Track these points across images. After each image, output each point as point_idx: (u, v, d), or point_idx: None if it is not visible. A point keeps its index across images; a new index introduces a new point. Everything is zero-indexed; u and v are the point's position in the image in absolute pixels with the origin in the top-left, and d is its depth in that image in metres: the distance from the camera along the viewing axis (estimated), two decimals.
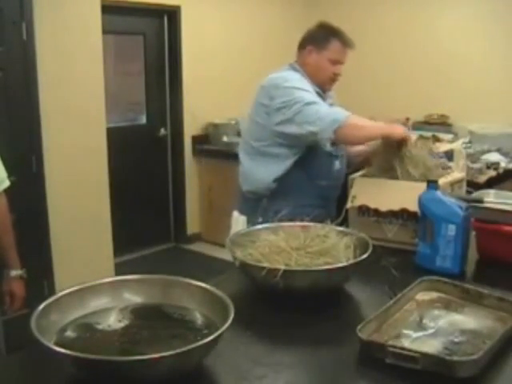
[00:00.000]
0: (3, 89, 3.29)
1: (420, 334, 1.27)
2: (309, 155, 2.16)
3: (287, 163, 2.17)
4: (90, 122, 3.86)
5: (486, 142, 4.33)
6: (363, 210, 1.98)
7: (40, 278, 3.51)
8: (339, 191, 2.31)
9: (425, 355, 1.13)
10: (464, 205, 1.70)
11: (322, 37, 2.21)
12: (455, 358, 1.13)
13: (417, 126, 4.86)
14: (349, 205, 2.01)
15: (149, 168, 4.88)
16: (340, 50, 2.22)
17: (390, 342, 1.20)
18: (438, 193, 1.71)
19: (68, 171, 3.73)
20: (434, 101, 4.97)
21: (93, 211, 3.92)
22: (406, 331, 1.28)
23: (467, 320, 1.34)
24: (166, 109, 4.98)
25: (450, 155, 2.25)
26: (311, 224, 1.76)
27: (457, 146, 2.35)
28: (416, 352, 1.13)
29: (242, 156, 2.31)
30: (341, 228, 1.74)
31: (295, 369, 1.19)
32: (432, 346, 1.21)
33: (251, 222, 2.18)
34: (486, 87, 4.74)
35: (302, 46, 2.26)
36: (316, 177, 2.19)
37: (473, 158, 4.02)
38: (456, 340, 1.24)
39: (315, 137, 2.06)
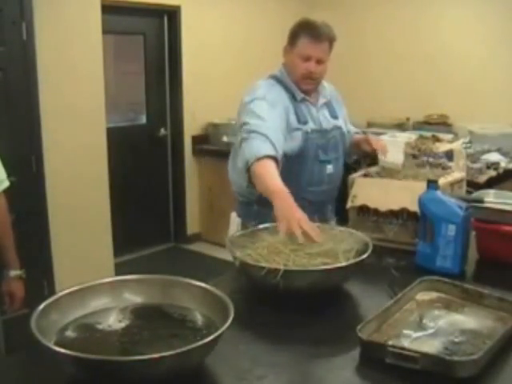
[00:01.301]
0: (3, 89, 3.29)
1: (420, 333, 1.27)
2: (297, 163, 2.07)
3: None
4: (90, 121, 3.86)
5: (486, 141, 4.33)
6: (363, 210, 1.98)
7: (40, 278, 3.51)
8: (335, 193, 2.25)
9: (425, 355, 1.13)
10: (464, 205, 1.70)
11: (292, 33, 2.11)
12: (455, 358, 1.13)
13: (417, 126, 4.86)
14: (349, 205, 2.01)
15: (149, 168, 4.88)
16: (309, 46, 2.05)
17: (390, 342, 1.20)
18: (438, 193, 1.71)
19: (68, 171, 3.73)
20: (434, 101, 4.97)
21: (93, 211, 3.92)
22: (406, 331, 1.28)
23: (467, 320, 1.34)
24: (166, 109, 4.98)
25: (450, 155, 2.24)
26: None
27: (457, 145, 2.34)
28: (416, 352, 1.13)
29: (231, 155, 2.26)
30: (341, 228, 1.74)
31: (295, 369, 1.20)
32: (432, 346, 1.21)
33: (245, 224, 2.14)
34: (486, 87, 4.74)
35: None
36: (307, 184, 2.10)
37: (473, 157, 4.02)
38: (456, 340, 1.24)
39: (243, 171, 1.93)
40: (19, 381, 1.19)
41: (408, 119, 5.02)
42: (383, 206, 1.93)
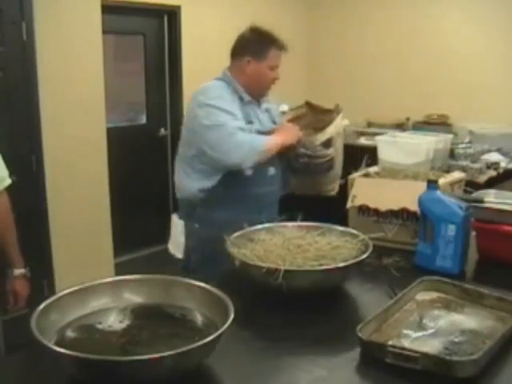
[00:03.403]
0: (3, 89, 3.28)
1: (420, 334, 1.27)
2: None
3: (215, 178, 2.12)
4: (90, 121, 3.86)
5: (486, 142, 4.32)
6: (363, 210, 1.98)
7: (40, 278, 3.51)
8: (277, 195, 2.31)
9: (425, 355, 1.13)
10: (464, 205, 1.70)
11: (260, 47, 2.18)
12: (455, 358, 1.13)
13: (417, 126, 4.86)
14: (349, 204, 2.01)
15: (149, 168, 4.88)
16: (278, 56, 2.21)
17: (390, 342, 1.20)
18: (438, 193, 1.71)
19: (68, 171, 3.72)
20: (434, 101, 4.97)
21: (93, 211, 3.92)
22: (406, 331, 1.28)
23: (467, 320, 1.34)
24: (166, 109, 4.97)
25: (327, 143, 2.24)
26: (310, 224, 1.76)
27: (333, 130, 2.26)
28: (416, 352, 1.13)
29: (176, 160, 2.29)
30: (340, 228, 1.74)
31: (295, 369, 1.19)
32: (432, 346, 1.21)
33: (188, 227, 2.24)
34: (487, 87, 4.74)
35: (239, 54, 2.22)
36: (250, 184, 2.14)
37: (473, 157, 4.02)
38: (456, 340, 1.24)
39: (239, 166, 2.06)
40: (19, 381, 1.19)
41: (408, 119, 5.01)
42: (383, 206, 1.93)
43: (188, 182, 2.19)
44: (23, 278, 2.07)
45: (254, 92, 2.21)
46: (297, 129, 2.22)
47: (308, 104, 2.49)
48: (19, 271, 2.05)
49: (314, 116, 2.42)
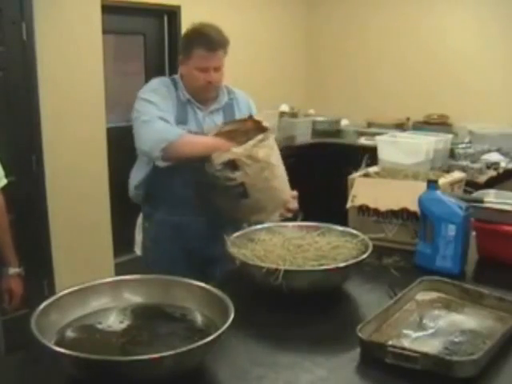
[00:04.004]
0: (3, 89, 3.28)
1: (420, 333, 1.27)
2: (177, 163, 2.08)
3: (146, 169, 2.15)
4: (90, 121, 3.85)
5: (486, 141, 4.32)
6: (363, 210, 1.98)
7: (40, 278, 3.51)
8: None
9: (425, 355, 1.13)
10: (464, 205, 1.70)
11: (185, 46, 2.10)
12: (455, 358, 1.13)
13: (417, 126, 4.86)
14: (349, 205, 2.01)
15: None
16: (205, 56, 2.04)
17: (390, 342, 1.20)
18: (438, 193, 1.71)
19: (68, 171, 3.72)
20: (434, 101, 4.96)
21: (93, 211, 3.92)
22: (406, 331, 1.28)
23: (467, 320, 1.34)
24: None
25: (232, 165, 1.94)
26: (310, 224, 1.76)
27: (240, 152, 1.94)
28: (416, 352, 1.13)
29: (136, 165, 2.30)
30: (340, 228, 1.74)
31: (295, 369, 1.19)
32: (432, 346, 1.21)
33: (142, 225, 2.31)
34: (486, 87, 4.74)
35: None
36: (188, 184, 2.08)
37: (473, 157, 4.02)
38: (456, 340, 1.24)
39: (148, 155, 2.05)
40: (19, 381, 1.19)
41: (408, 119, 5.01)
42: (383, 206, 1.93)
43: (131, 176, 2.25)
44: (18, 277, 2.10)
45: (192, 93, 2.12)
46: (230, 143, 2.00)
47: (252, 120, 2.13)
48: (14, 270, 2.08)
49: (246, 134, 2.06)
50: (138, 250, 2.37)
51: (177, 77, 2.17)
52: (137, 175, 2.23)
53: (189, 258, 2.14)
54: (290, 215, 2.03)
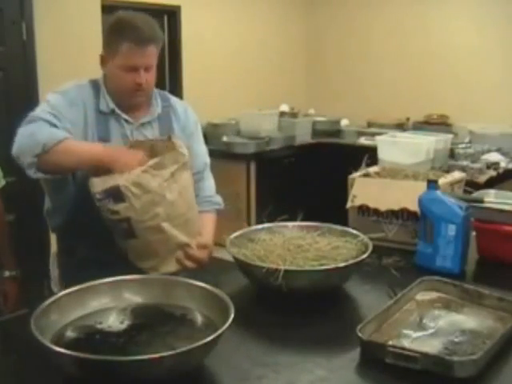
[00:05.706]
0: (3, 89, 3.28)
1: (420, 334, 1.27)
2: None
3: (67, 188, 1.71)
4: None
5: (486, 141, 4.33)
6: (363, 210, 1.98)
7: (40, 278, 3.50)
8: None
9: (425, 355, 1.13)
10: (464, 205, 1.70)
11: (109, 39, 1.68)
12: (455, 358, 1.13)
13: (417, 126, 4.86)
14: (349, 205, 2.01)
15: None
16: (133, 53, 1.62)
17: (390, 342, 1.20)
18: (438, 193, 1.71)
19: None
20: (434, 101, 4.97)
21: None
22: (405, 331, 1.28)
23: (467, 320, 1.34)
24: None
25: (115, 194, 1.49)
26: (310, 224, 1.76)
27: (125, 179, 1.48)
28: (416, 352, 1.13)
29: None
30: (340, 228, 1.74)
31: (295, 369, 1.19)
32: (432, 346, 1.21)
33: (58, 262, 1.93)
34: (487, 87, 4.74)
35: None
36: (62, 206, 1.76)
37: (473, 157, 4.02)
38: (456, 340, 1.24)
39: (18, 160, 1.60)
40: (19, 381, 1.19)
41: (408, 119, 5.02)
42: (383, 206, 1.93)
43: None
44: (13, 280, 2.09)
45: (117, 100, 1.70)
46: (140, 155, 1.55)
47: (170, 141, 1.64)
48: (10, 273, 2.07)
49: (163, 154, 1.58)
50: (55, 288, 1.84)
51: (100, 79, 1.75)
52: (52, 196, 1.79)
53: None
54: (193, 266, 1.57)
